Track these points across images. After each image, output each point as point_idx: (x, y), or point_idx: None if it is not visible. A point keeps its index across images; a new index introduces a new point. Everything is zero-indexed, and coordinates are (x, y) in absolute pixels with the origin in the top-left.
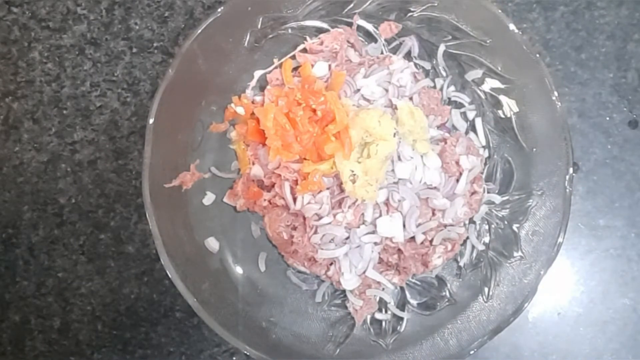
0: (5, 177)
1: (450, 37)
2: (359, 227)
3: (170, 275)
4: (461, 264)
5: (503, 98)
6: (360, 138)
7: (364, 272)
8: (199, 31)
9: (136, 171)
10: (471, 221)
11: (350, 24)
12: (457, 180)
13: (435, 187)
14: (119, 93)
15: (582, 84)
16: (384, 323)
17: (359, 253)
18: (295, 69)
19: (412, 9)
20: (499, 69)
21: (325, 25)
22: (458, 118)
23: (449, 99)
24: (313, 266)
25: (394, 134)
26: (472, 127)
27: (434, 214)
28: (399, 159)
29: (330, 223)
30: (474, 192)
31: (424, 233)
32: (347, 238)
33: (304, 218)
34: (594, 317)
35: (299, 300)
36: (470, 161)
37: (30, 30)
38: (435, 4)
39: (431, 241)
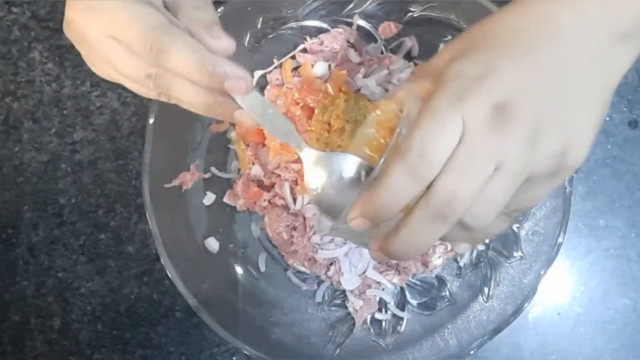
0: (5, 177)
1: (450, 37)
2: None
3: (170, 275)
4: (461, 264)
5: None
6: None
7: (364, 272)
8: None
9: (136, 171)
10: None
11: (350, 24)
12: None
13: None
14: (119, 93)
15: None
16: (384, 323)
17: (359, 253)
18: (295, 69)
19: (412, 9)
20: None
21: (325, 25)
22: None
23: None
24: (313, 266)
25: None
26: None
27: None
28: None
29: None
30: None
31: None
32: None
33: (304, 218)
34: (594, 317)
35: (299, 300)
36: None
37: (30, 30)
38: (435, 4)
39: None
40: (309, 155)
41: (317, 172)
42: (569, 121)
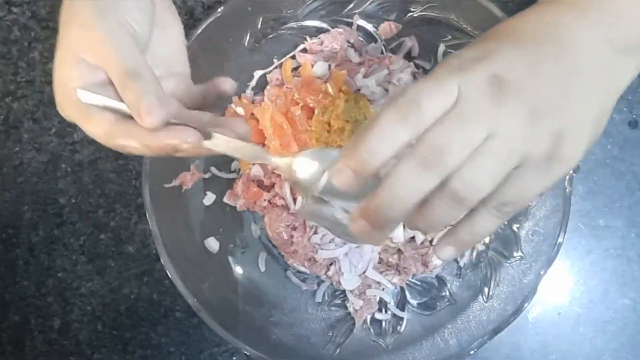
0: (5, 177)
1: (450, 37)
2: None
3: (170, 275)
4: (461, 264)
5: None
6: None
7: (364, 272)
8: (199, 31)
9: (136, 171)
10: None
11: (350, 24)
12: None
13: None
14: None
15: None
16: (384, 323)
17: (359, 253)
18: (295, 69)
19: (412, 9)
20: None
21: (325, 25)
22: None
23: None
24: (313, 266)
25: None
26: None
27: None
28: None
29: None
30: None
31: (424, 233)
32: None
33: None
34: (594, 317)
35: (299, 300)
36: None
37: (30, 30)
38: (435, 4)
39: (431, 241)
40: (285, 162)
41: (304, 169)
42: (566, 110)
